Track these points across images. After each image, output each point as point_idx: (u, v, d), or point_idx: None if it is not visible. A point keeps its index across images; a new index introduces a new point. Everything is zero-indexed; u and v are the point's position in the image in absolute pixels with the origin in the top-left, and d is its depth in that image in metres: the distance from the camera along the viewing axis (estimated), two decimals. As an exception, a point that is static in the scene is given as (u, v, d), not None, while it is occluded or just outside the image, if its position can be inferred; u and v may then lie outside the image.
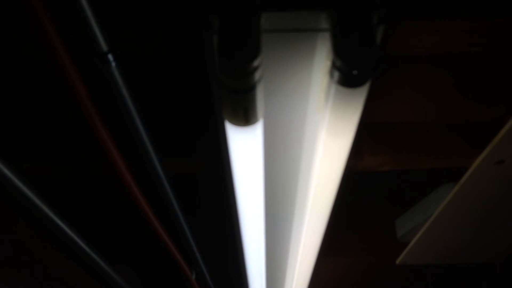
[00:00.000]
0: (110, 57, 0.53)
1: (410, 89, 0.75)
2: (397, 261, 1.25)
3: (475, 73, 0.73)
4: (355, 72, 0.41)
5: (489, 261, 1.28)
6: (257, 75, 0.41)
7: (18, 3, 0.48)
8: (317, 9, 0.43)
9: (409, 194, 1.20)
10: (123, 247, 1.31)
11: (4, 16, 0.58)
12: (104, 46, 0.53)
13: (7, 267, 0.90)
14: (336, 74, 0.42)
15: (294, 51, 0.48)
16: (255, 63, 0.40)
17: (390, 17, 0.46)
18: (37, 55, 0.62)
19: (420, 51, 0.63)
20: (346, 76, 0.41)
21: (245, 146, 0.51)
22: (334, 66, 0.42)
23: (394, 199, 1.28)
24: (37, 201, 0.74)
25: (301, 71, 0.51)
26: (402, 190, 1.26)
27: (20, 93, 0.73)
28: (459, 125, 0.89)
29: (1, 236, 0.85)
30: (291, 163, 0.66)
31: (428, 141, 0.89)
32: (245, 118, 0.46)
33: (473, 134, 0.89)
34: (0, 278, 0.90)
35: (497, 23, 0.61)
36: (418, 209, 1.19)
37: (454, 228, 1.07)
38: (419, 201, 1.18)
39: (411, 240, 1.14)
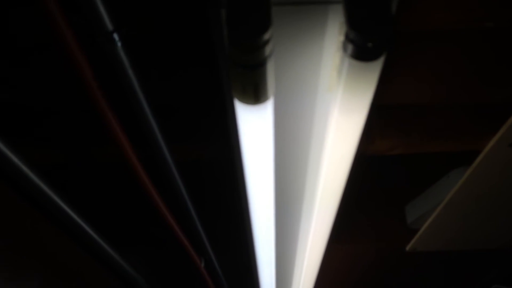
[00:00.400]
0: (115, 36, 0.52)
1: (422, 69, 0.73)
2: (407, 248, 1.24)
3: (489, 53, 0.71)
4: (369, 44, 0.39)
5: (500, 248, 1.27)
6: (267, 49, 0.40)
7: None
8: (330, -21, 0.42)
9: (420, 179, 1.19)
10: (132, 234, 1.31)
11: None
12: (109, 25, 0.51)
13: (12, 252, 0.90)
14: (350, 47, 0.41)
15: (305, 25, 0.47)
16: (266, 36, 0.38)
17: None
18: (41, 37, 0.61)
19: (433, 27, 0.62)
20: (360, 49, 0.40)
21: (255, 125, 0.50)
22: (347, 39, 0.40)
23: (404, 185, 1.27)
24: (44, 187, 0.74)
25: (312, 47, 0.49)
26: (412, 175, 1.24)
27: (24, 76, 0.72)
28: (472, 107, 0.88)
29: (7, 222, 0.85)
30: (301, 143, 0.64)
31: (440, 124, 0.87)
32: (256, 95, 0.44)
33: (486, 116, 0.87)
34: (5, 263, 0.90)
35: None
36: (429, 194, 1.18)
37: (465, 214, 1.06)
38: (429, 186, 1.17)
39: (421, 226, 1.13)
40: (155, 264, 1.50)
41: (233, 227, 1.13)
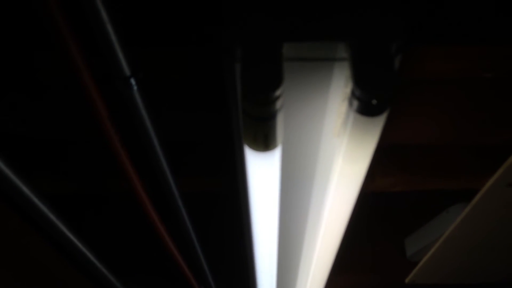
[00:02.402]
0: (132, 81, 0.55)
1: (423, 112, 0.76)
2: (406, 280, 1.24)
3: (488, 97, 0.74)
4: (374, 101, 0.42)
5: (500, 281, 1.27)
6: (279, 103, 0.43)
7: (44, 25, 0.49)
8: (338, 40, 0.44)
9: (419, 213, 1.20)
10: (134, 263, 1.31)
11: (31, 38, 0.60)
12: (126, 70, 0.54)
13: (20, 282, 0.91)
14: (355, 103, 0.43)
15: (312, 78, 0.49)
16: (278, 92, 0.41)
17: (408, 45, 0.47)
18: (60, 76, 0.64)
19: (434, 76, 0.64)
20: (365, 105, 0.42)
21: (263, 170, 0.52)
22: (353, 95, 0.43)
23: (404, 218, 1.28)
24: (52, 216, 0.75)
25: (318, 98, 0.52)
26: (412, 209, 1.26)
27: (43, 111, 0.74)
28: (471, 147, 0.90)
29: (15, 251, 0.87)
30: (305, 186, 0.66)
31: (440, 163, 0.89)
32: (265, 144, 0.47)
33: (485, 156, 0.89)
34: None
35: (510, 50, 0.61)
36: (428, 228, 1.19)
37: (465, 248, 1.06)
38: (429, 220, 1.18)
39: (421, 259, 1.14)
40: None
41: (235, 258, 1.14)
